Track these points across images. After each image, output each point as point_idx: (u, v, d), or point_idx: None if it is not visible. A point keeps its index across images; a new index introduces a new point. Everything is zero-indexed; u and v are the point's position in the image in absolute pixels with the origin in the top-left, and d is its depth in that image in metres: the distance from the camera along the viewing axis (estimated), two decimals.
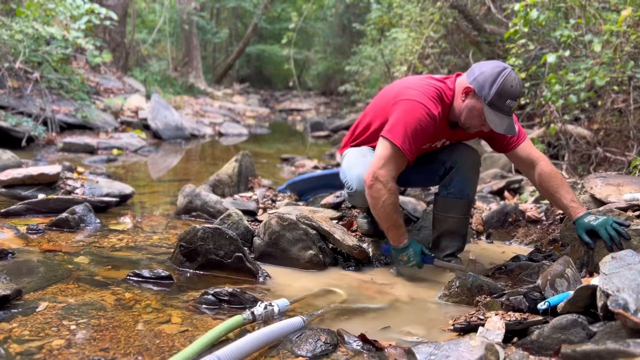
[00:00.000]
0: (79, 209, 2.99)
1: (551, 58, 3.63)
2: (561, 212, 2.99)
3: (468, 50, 6.87)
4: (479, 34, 6.62)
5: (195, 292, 2.05)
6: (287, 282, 2.30)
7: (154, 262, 2.42)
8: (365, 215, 2.84)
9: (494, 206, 3.53)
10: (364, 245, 2.66)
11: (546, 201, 3.37)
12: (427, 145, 2.48)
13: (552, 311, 1.73)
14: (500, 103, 2.18)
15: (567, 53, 3.75)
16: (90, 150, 6.38)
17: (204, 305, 1.93)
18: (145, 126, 8.39)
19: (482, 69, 2.23)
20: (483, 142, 2.63)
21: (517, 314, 1.75)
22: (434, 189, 3.26)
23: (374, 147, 2.60)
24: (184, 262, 2.34)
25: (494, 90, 2.17)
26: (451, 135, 2.49)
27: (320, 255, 2.49)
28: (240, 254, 2.26)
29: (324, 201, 3.28)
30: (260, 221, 2.96)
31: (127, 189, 3.76)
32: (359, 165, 2.48)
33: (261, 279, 2.28)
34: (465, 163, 2.52)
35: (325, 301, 2.08)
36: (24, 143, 6.10)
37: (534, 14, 3.70)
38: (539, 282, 1.91)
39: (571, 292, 1.68)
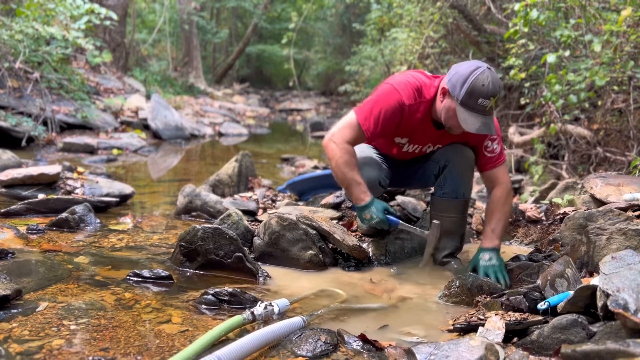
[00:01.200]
0: (79, 209, 2.99)
1: (551, 58, 3.63)
2: (561, 212, 2.99)
3: (468, 50, 6.87)
4: (479, 34, 6.62)
5: (195, 292, 2.05)
6: (287, 282, 2.30)
7: (154, 262, 2.42)
8: None
9: None
10: (364, 245, 2.66)
11: (546, 201, 3.37)
12: (416, 147, 2.51)
13: (552, 311, 1.73)
14: (472, 102, 2.17)
15: (567, 53, 3.75)
16: (90, 150, 6.38)
17: (204, 305, 1.93)
18: (145, 126, 8.39)
19: (458, 69, 2.23)
20: None
21: (517, 314, 1.75)
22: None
23: (372, 145, 2.61)
24: (184, 262, 2.34)
25: (464, 90, 2.16)
26: (440, 138, 2.48)
27: (320, 255, 2.49)
28: (240, 254, 2.26)
29: (324, 201, 3.28)
30: (260, 221, 2.96)
31: (127, 189, 3.76)
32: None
33: (261, 279, 2.28)
34: (457, 162, 2.50)
35: (325, 301, 2.08)
36: (24, 143, 6.10)
37: (534, 14, 3.69)
38: (539, 282, 1.91)
39: (571, 292, 1.68)
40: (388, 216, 2.40)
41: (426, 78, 2.39)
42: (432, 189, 2.69)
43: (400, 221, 2.42)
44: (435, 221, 2.42)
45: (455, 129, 2.34)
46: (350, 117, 2.37)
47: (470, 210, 3.33)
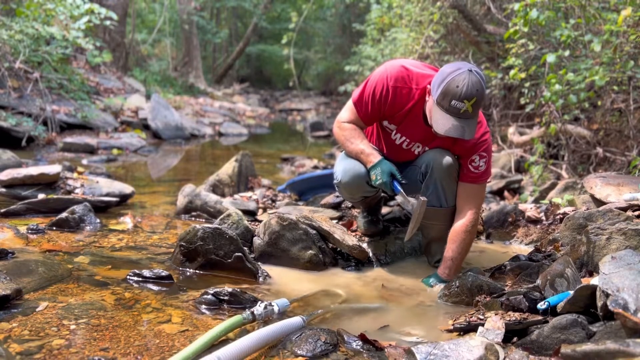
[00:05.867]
0: (79, 208, 2.99)
1: (551, 58, 3.63)
2: (561, 212, 2.99)
3: (468, 50, 6.86)
4: (479, 34, 6.61)
5: (195, 292, 2.05)
6: (287, 282, 2.30)
7: (154, 262, 2.42)
8: (365, 215, 2.84)
9: (493, 206, 3.53)
10: (364, 245, 2.66)
11: (546, 201, 3.37)
12: (405, 141, 2.48)
13: (551, 311, 1.73)
14: (445, 103, 2.11)
15: (567, 53, 3.75)
16: (90, 150, 6.38)
17: (204, 305, 1.93)
18: (145, 126, 8.40)
19: (443, 69, 2.19)
20: None
21: (517, 314, 1.75)
22: None
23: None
24: (184, 262, 2.34)
25: (440, 90, 2.12)
26: (428, 136, 2.43)
27: (320, 255, 2.49)
28: (240, 254, 2.26)
29: (324, 201, 3.28)
30: (260, 221, 2.96)
31: (127, 188, 3.76)
32: (347, 158, 2.51)
33: (261, 279, 2.28)
34: (437, 169, 2.41)
35: (325, 301, 2.08)
36: (24, 143, 6.10)
37: (533, 13, 3.70)
38: (538, 282, 1.91)
39: (571, 292, 1.68)
40: (393, 182, 2.37)
41: (430, 70, 2.37)
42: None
43: (402, 190, 2.35)
44: (421, 197, 2.35)
45: (435, 131, 2.28)
46: (349, 100, 2.49)
47: None
